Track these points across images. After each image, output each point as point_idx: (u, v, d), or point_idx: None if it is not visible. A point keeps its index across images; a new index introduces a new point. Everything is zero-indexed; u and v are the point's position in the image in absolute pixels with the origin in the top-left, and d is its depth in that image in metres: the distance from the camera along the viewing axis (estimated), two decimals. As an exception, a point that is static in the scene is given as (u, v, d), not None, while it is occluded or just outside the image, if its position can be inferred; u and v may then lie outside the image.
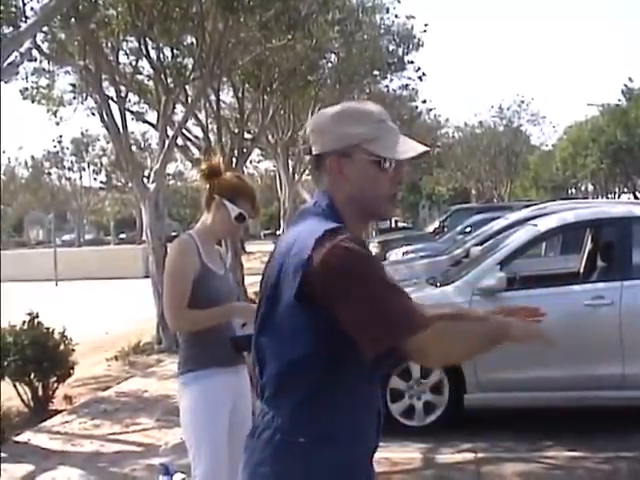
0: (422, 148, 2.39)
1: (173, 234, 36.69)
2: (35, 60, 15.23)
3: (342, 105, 2.46)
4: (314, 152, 2.43)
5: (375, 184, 2.36)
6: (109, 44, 14.54)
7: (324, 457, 2.29)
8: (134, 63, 15.89)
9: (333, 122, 2.39)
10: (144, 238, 15.29)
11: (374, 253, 26.55)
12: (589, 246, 9.20)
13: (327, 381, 2.27)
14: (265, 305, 2.36)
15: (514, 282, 8.01)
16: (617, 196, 68.44)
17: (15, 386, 9.06)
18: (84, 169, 67.69)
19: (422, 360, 2.44)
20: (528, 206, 16.33)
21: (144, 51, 14.52)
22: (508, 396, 7.70)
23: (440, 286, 8.30)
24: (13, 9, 11.99)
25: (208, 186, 4.32)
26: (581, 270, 9.15)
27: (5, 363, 8.80)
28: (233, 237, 16.10)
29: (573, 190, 79.46)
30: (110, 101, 13.86)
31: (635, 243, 8.06)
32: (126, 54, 16.56)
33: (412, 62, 28.10)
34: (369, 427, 2.43)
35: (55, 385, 9.35)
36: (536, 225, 8.76)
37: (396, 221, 77.47)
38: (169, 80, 14.70)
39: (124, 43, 15.56)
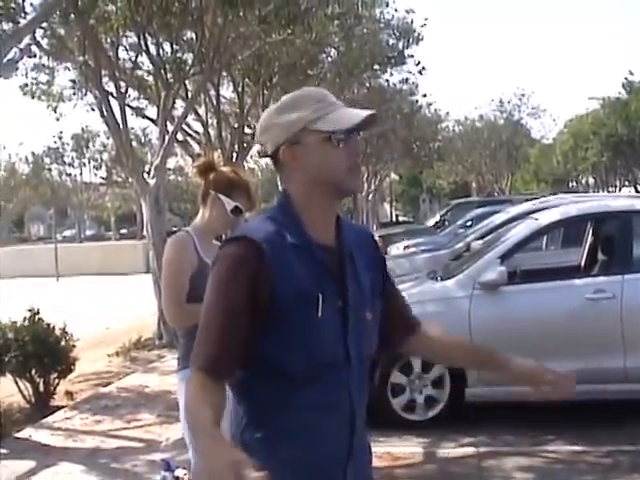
0: (366, 112, 2.37)
1: (174, 229, 36.75)
2: (35, 56, 15.21)
3: (282, 99, 2.46)
4: (269, 151, 2.43)
5: (331, 161, 2.33)
6: (108, 40, 14.51)
7: (281, 454, 2.28)
8: (134, 58, 15.87)
9: (275, 116, 2.40)
10: (145, 233, 15.29)
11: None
12: (590, 240, 9.19)
13: (271, 382, 2.28)
14: None
15: (515, 276, 8.02)
16: (618, 189, 68.42)
17: (16, 382, 9.07)
18: (84, 165, 67.58)
19: None
20: (529, 200, 16.34)
21: (144, 46, 14.49)
22: (509, 390, 7.68)
23: (441, 280, 8.30)
24: (12, 5, 11.98)
25: (203, 182, 4.35)
26: (582, 264, 9.15)
27: (6, 359, 8.81)
28: (233, 231, 16.11)
29: (574, 183, 79.46)
30: (110, 97, 13.84)
31: (636, 237, 8.07)
32: (125, 49, 16.57)
33: (412, 56, 28.02)
34: (333, 429, 2.34)
35: (56, 381, 9.35)
36: (537, 219, 8.76)
37: (397, 215, 77.65)
38: (169, 75, 14.67)
39: (123, 38, 15.54)
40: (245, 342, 2.23)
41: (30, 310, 9.29)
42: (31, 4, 12.07)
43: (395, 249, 19.69)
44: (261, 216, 2.43)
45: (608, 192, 61.23)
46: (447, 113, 58.26)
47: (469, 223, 19.81)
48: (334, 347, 2.31)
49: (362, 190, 3.09)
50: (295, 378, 2.27)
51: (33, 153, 68.66)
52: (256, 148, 35.40)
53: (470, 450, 7.14)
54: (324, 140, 2.32)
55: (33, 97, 17.80)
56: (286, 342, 2.24)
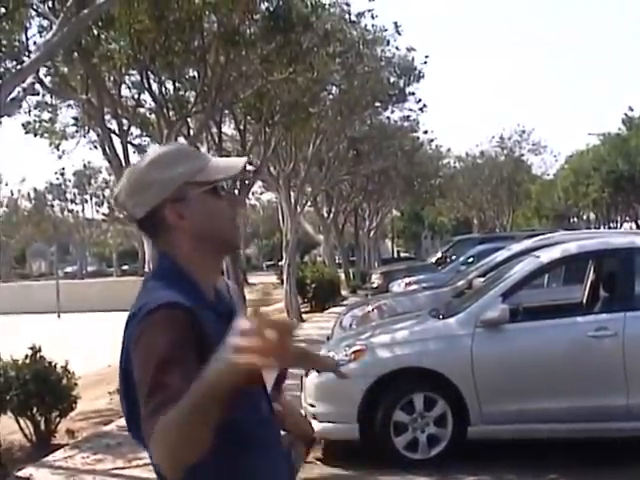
0: (243, 159, 2.40)
1: (175, 266, 36.73)
2: (38, 94, 15.30)
3: (150, 155, 2.32)
4: (142, 214, 2.25)
5: (219, 214, 2.24)
6: (111, 78, 14.62)
7: None
8: (136, 96, 16.00)
9: (152, 172, 2.22)
10: (146, 270, 15.28)
11: (375, 284, 26.40)
12: (592, 277, 9.19)
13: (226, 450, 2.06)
14: None
15: (517, 314, 8.00)
16: (619, 225, 68.46)
17: (17, 420, 9.02)
18: (86, 201, 68.00)
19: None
20: (531, 236, 16.31)
21: (146, 84, 14.59)
22: (512, 428, 7.66)
23: (443, 318, 8.29)
24: (16, 44, 12.08)
25: None
26: (584, 301, 9.14)
27: (7, 397, 8.77)
28: (234, 265, 16.12)
29: (575, 219, 79.50)
30: (112, 134, 13.92)
31: (637, 274, 8.07)
32: (128, 88, 16.67)
33: (413, 93, 28.29)
34: None
35: (57, 419, 9.30)
36: (539, 256, 8.76)
37: (398, 251, 77.61)
38: (171, 113, 14.77)
39: (126, 77, 15.65)
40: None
41: (32, 348, 9.26)
42: (35, 42, 12.14)
43: (397, 286, 19.66)
44: (155, 286, 2.24)
45: (609, 228, 61.34)
46: (448, 150, 58.55)
47: (471, 260, 19.76)
48: (262, 403, 2.25)
49: (241, 245, 2.90)
50: (250, 439, 2.14)
51: (35, 189, 69.00)
52: (257, 185, 35.22)
53: (473, 489, 7.11)
54: (208, 192, 2.23)
55: (36, 135, 17.87)
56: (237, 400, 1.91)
